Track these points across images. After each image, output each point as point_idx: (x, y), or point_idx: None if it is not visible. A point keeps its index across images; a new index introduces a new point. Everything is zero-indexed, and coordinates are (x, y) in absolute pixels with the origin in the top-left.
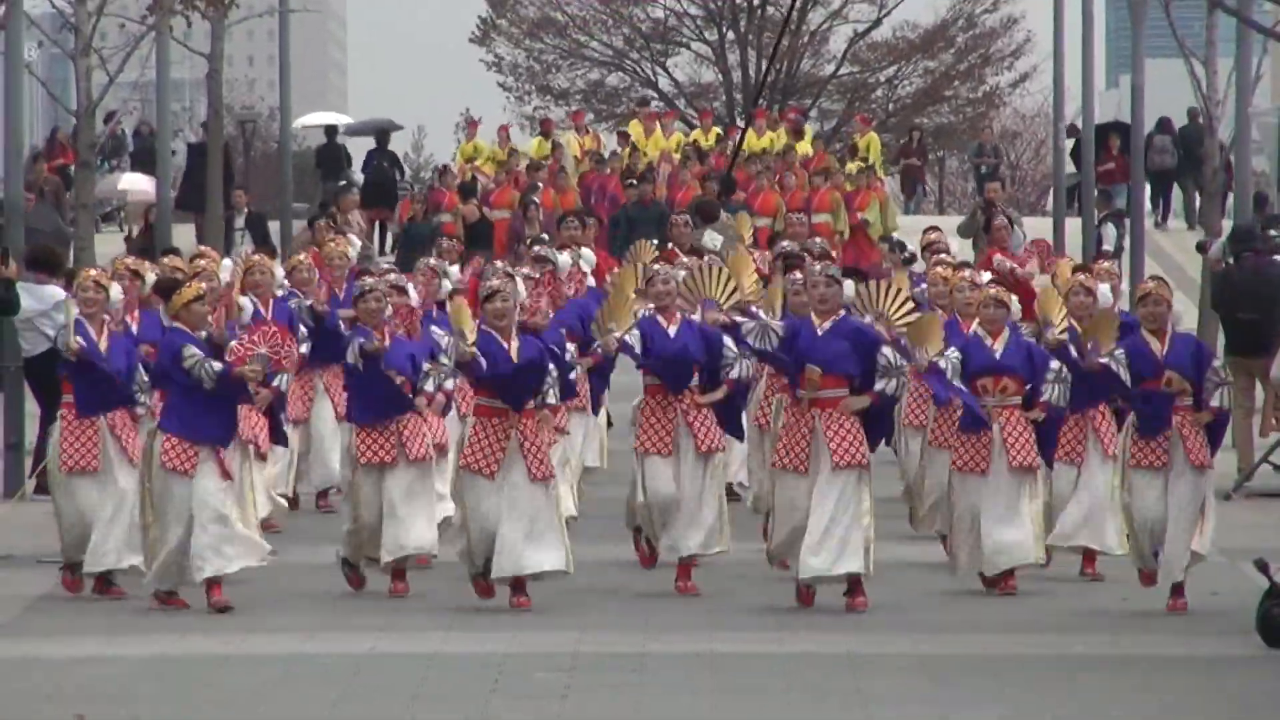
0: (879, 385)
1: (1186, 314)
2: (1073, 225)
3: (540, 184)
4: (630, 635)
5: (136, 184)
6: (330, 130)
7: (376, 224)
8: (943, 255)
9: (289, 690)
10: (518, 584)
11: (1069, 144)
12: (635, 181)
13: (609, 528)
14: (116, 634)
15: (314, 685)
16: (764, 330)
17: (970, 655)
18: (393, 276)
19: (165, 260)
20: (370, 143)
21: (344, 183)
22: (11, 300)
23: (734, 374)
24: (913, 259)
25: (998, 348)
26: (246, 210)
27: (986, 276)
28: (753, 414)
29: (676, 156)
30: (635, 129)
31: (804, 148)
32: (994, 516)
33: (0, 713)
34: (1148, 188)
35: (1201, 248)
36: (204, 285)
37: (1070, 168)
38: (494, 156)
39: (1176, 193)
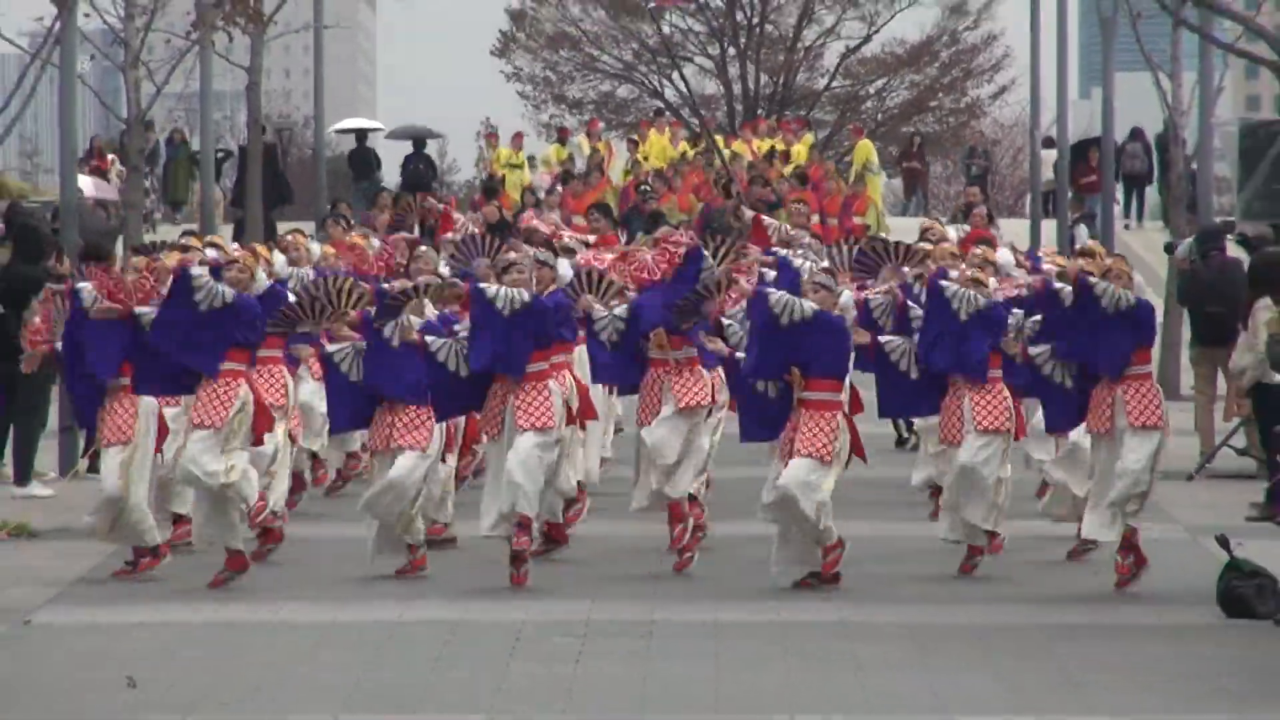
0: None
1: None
2: (1048, 227)
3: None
4: (639, 605)
5: (87, 186)
6: (361, 135)
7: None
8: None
9: (324, 654)
10: (514, 558)
11: (1047, 155)
12: (647, 186)
13: (619, 505)
14: (163, 602)
15: (346, 650)
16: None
17: (956, 625)
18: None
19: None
20: (408, 147)
21: (382, 186)
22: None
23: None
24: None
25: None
26: (201, 215)
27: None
28: None
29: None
30: (655, 138)
31: (799, 153)
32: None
33: (54, 675)
34: (1121, 191)
35: (1169, 248)
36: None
37: (1048, 174)
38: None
39: (1152, 196)
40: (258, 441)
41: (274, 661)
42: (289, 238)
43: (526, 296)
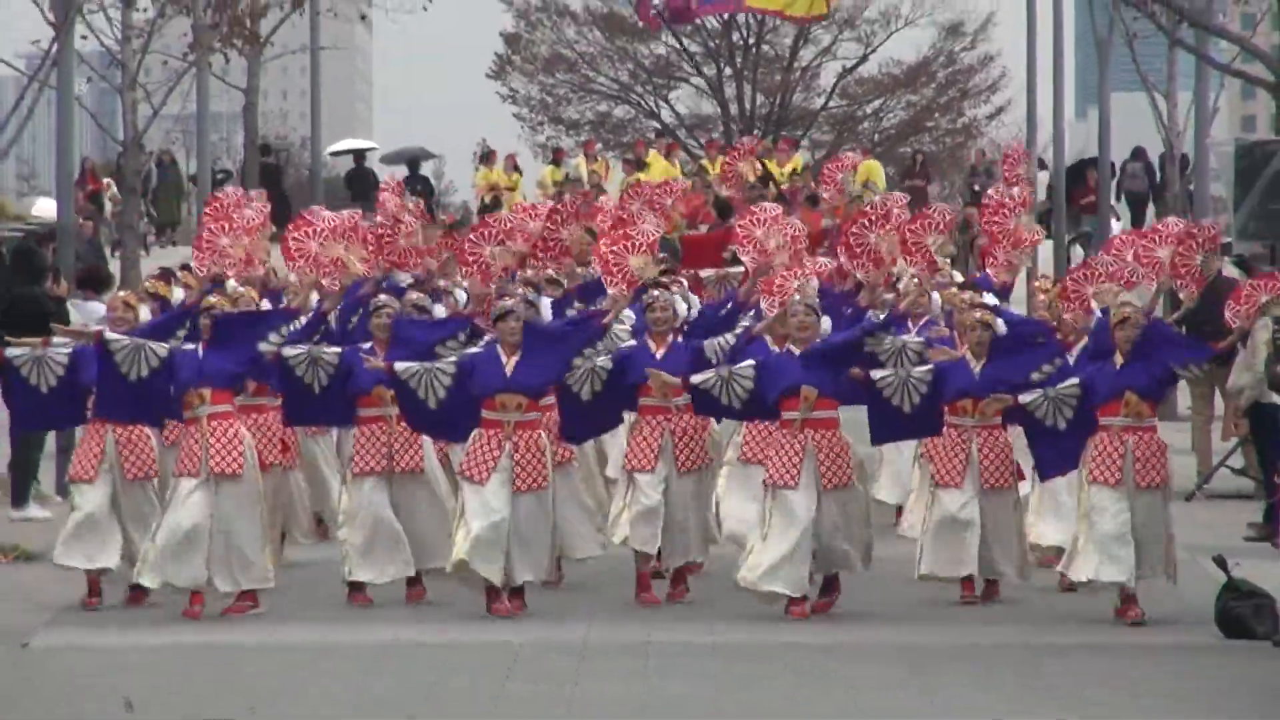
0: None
1: None
2: (1045, 247)
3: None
4: (636, 625)
5: (47, 209)
6: (359, 155)
7: None
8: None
9: (320, 675)
10: (511, 591)
11: (1041, 176)
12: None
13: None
14: (159, 625)
15: (343, 670)
16: (727, 384)
17: (948, 645)
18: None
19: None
20: (404, 170)
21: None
22: (63, 316)
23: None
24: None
25: (979, 370)
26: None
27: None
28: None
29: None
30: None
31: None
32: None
33: (52, 697)
34: (1127, 210)
35: None
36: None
37: (1040, 196)
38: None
39: (1154, 215)
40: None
41: (270, 682)
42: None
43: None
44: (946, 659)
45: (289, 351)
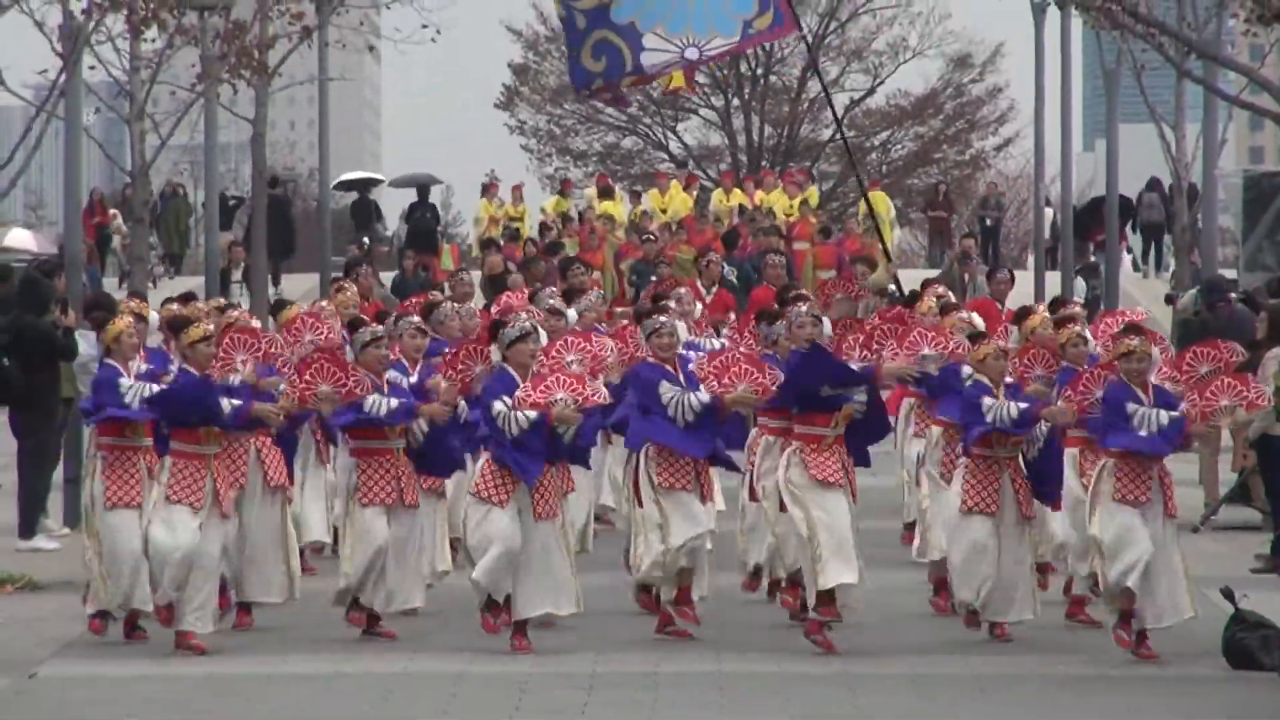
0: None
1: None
2: (1052, 279)
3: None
4: (644, 656)
5: (19, 240)
6: (362, 187)
7: (419, 267)
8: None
9: (329, 705)
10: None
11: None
12: (650, 237)
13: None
14: (167, 656)
15: (352, 701)
16: (681, 403)
17: (957, 674)
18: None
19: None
20: (413, 195)
21: (366, 239)
22: (71, 346)
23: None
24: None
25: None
26: (244, 265)
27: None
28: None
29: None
30: (654, 197)
31: (789, 206)
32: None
33: None
34: (1139, 241)
35: (1170, 300)
36: (209, 327)
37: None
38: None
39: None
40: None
41: (280, 712)
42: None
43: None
44: (955, 689)
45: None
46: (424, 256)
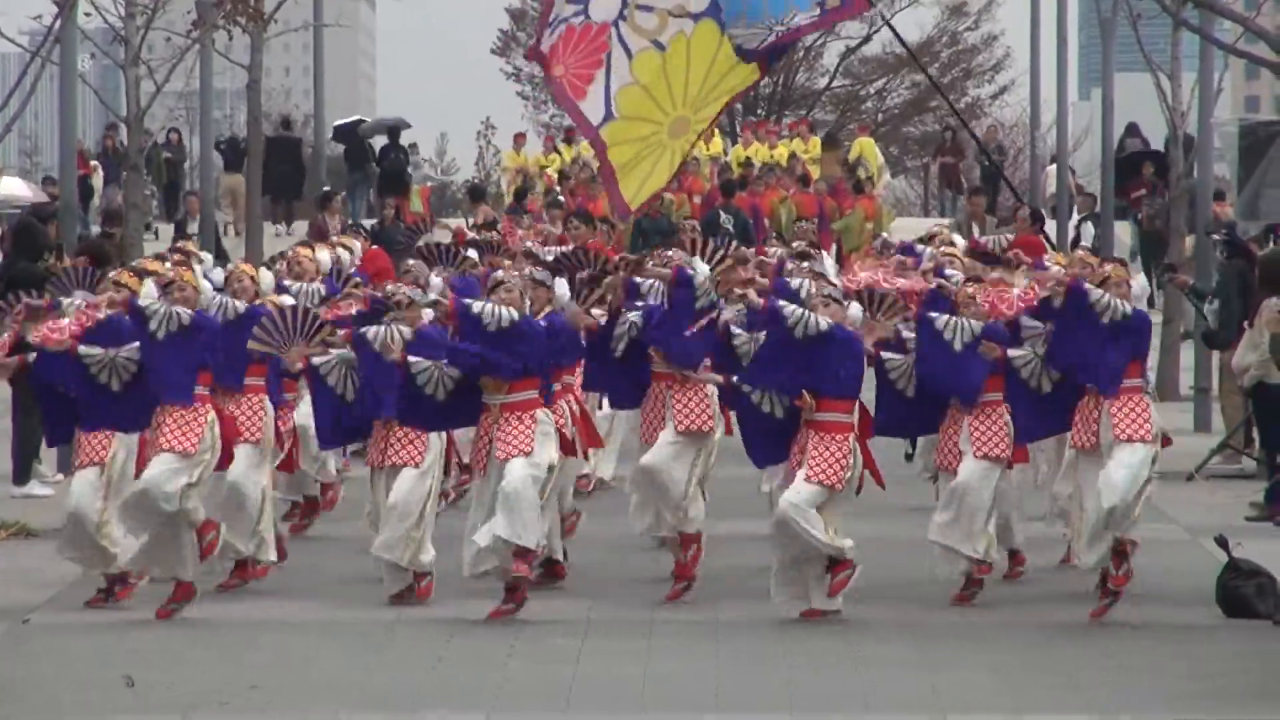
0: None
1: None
2: (1049, 228)
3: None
4: (639, 604)
5: (12, 188)
6: (352, 128)
7: (394, 209)
8: (946, 247)
9: (324, 653)
10: (511, 587)
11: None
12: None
13: (619, 503)
14: (161, 602)
15: (347, 649)
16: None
17: (953, 623)
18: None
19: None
20: (384, 139)
21: (327, 189)
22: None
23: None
24: (905, 250)
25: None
26: (199, 217)
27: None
28: None
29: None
30: None
31: (813, 150)
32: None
33: (53, 675)
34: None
35: (1169, 269)
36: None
37: (1053, 188)
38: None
39: None
40: (224, 465)
41: (274, 660)
42: (292, 253)
43: (515, 315)
44: (950, 637)
45: (416, 363)
46: (394, 199)
